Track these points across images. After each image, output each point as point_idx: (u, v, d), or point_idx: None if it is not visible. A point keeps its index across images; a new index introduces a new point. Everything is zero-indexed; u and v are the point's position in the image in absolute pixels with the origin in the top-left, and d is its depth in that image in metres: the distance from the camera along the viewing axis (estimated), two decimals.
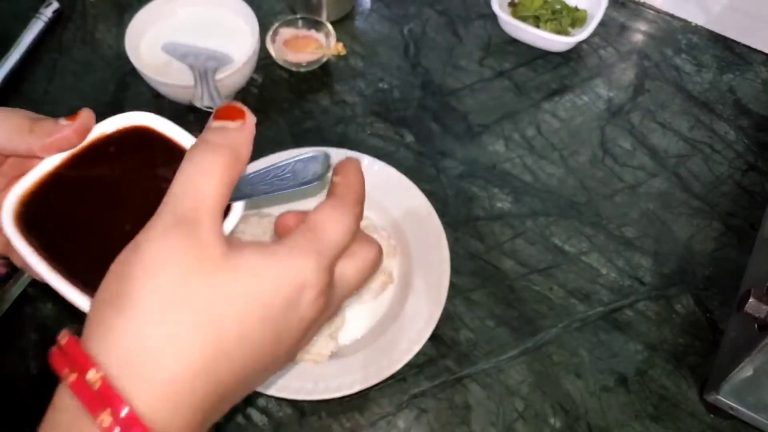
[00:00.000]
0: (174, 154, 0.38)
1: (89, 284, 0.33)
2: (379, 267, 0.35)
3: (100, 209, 0.37)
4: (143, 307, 0.27)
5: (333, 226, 0.31)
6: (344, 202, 0.33)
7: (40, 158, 0.36)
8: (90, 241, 0.36)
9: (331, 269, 0.31)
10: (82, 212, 0.37)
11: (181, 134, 0.39)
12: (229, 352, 0.27)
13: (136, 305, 0.27)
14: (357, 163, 0.35)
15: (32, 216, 0.36)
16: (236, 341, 0.28)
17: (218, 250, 0.28)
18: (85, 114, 0.36)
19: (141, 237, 0.28)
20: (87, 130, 0.37)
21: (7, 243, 0.36)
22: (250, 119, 0.32)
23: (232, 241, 0.29)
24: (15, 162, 0.37)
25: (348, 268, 0.33)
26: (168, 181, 0.33)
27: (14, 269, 0.60)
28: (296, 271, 0.29)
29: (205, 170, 0.29)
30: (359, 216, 0.33)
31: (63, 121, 0.36)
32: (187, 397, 0.27)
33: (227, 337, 0.27)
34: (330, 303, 0.32)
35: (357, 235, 0.33)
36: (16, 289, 0.59)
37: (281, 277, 0.29)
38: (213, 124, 0.32)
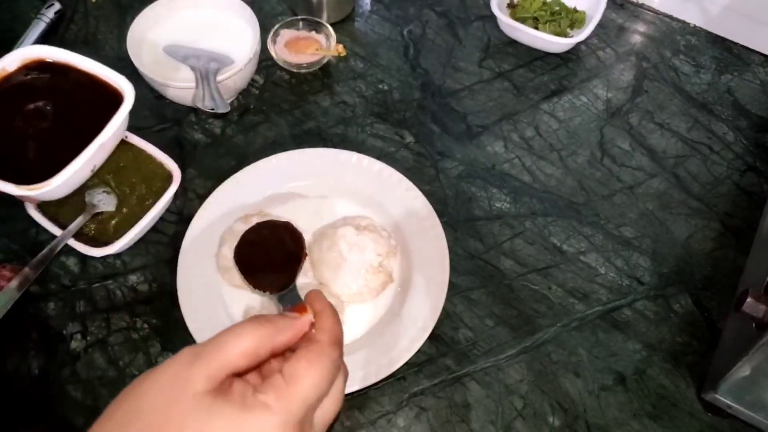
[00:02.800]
0: (74, 78, 0.47)
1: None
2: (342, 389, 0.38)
3: (17, 128, 0.46)
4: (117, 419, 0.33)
5: (307, 381, 0.34)
6: (321, 353, 0.35)
7: None
8: (12, 152, 0.44)
9: (301, 422, 0.33)
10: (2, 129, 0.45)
11: (77, 58, 0.48)
12: None
13: (110, 416, 0.34)
14: (326, 301, 0.39)
15: None
16: None
17: (202, 388, 0.32)
18: None
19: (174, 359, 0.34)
20: None
21: None
22: (306, 318, 0.38)
23: (221, 387, 0.33)
24: None
25: (325, 405, 0.36)
26: (69, 101, 0.46)
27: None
28: (262, 429, 0.32)
29: (242, 332, 0.35)
30: (338, 360, 0.36)
31: None
32: None
33: None
34: None
35: (335, 376, 0.36)
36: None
37: None
38: (284, 312, 0.40)
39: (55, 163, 0.45)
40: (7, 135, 0.46)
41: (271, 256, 0.55)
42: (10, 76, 0.48)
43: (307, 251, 0.65)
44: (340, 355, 0.36)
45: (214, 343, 0.34)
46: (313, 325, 0.37)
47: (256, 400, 0.32)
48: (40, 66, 0.48)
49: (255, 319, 0.35)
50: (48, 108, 0.47)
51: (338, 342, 0.37)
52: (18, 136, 0.46)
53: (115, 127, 0.46)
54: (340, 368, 0.36)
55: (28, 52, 0.48)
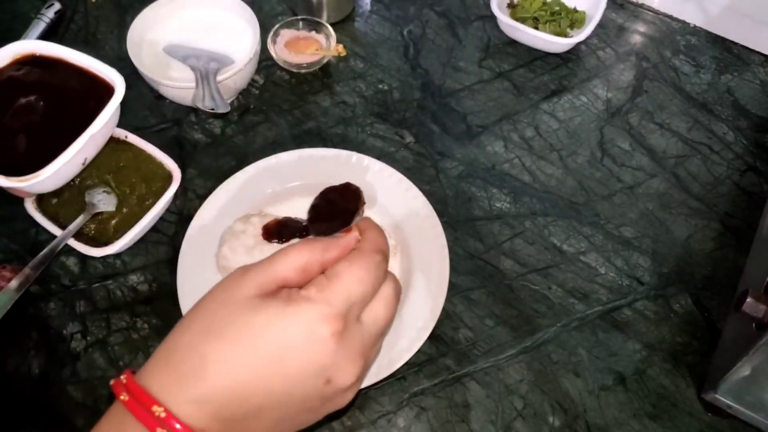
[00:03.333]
0: (64, 72, 0.48)
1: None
2: (399, 297, 0.40)
3: (8, 121, 0.47)
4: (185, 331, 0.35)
5: (348, 276, 0.36)
6: (363, 254, 0.38)
7: None
8: (6, 144, 0.45)
9: (344, 315, 0.35)
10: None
11: (68, 52, 0.49)
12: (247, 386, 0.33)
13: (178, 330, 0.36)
14: (372, 221, 0.43)
15: None
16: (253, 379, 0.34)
17: (252, 293, 0.35)
18: None
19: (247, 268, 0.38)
20: None
21: None
22: (352, 236, 0.40)
23: (269, 292, 0.36)
24: None
25: (374, 307, 0.37)
26: (60, 94, 0.47)
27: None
28: (303, 320, 0.34)
29: (293, 251, 0.38)
30: (381, 263, 0.38)
31: None
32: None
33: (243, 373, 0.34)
34: (353, 343, 0.35)
35: (381, 279, 0.38)
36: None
37: (290, 327, 0.34)
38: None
39: (46, 157, 0.45)
40: None
41: (332, 212, 0.55)
42: (1, 72, 0.48)
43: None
44: (385, 260, 0.39)
45: (266, 261, 0.37)
46: (359, 241, 0.39)
47: (299, 295, 0.35)
48: (31, 61, 0.49)
49: (304, 240, 0.38)
50: (40, 102, 0.48)
51: (380, 249, 0.39)
52: (9, 131, 0.47)
53: (106, 119, 0.47)
54: (385, 273, 0.38)
55: (19, 47, 0.49)
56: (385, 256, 0.39)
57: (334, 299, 0.34)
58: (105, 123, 0.47)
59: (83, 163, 0.48)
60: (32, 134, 0.47)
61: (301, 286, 0.36)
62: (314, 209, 0.56)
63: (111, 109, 0.47)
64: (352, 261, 0.37)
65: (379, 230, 0.41)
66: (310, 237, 0.43)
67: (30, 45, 0.49)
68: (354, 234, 0.40)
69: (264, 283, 0.35)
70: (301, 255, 0.37)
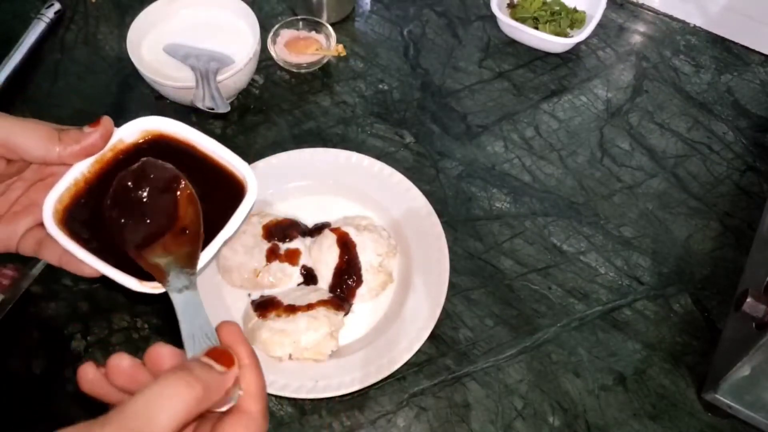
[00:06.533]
0: (192, 159, 0.42)
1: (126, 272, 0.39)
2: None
3: (125, 214, 0.41)
4: None
5: None
6: (256, 426, 0.31)
7: (67, 165, 0.40)
8: (119, 239, 0.40)
9: None
10: (112, 216, 0.40)
11: (198, 137, 0.43)
12: None
13: None
14: (247, 344, 0.33)
15: (69, 218, 0.40)
16: None
17: None
18: (106, 120, 0.40)
19: None
20: (110, 135, 0.40)
21: (39, 243, 0.41)
22: (234, 372, 0.32)
23: None
24: (37, 168, 0.40)
25: None
26: (184, 187, 0.39)
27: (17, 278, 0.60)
28: None
29: (170, 397, 0.28)
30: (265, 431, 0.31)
31: (88, 129, 0.39)
32: None
33: None
34: None
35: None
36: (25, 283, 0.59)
37: None
38: (202, 358, 0.32)
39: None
40: (121, 216, 0.41)
41: (153, 220, 0.42)
42: (127, 149, 0.43)
43: (308, 249, 0.65)
44: (267, 418, 0.32)
45: (142, 421, 0.27)
46: (237, 380, 0.32)
47: None
48: (158, 140, 0.43)
49: (182, 377, 0.29)
50: (165, 192, 0.41)
51: (267, 408, 0.32)
52: (132, 221, 0.41)
53: (240, 222, 0.42)
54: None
55: (147, 123, 0.43)
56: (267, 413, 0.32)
57: None
58: (238, 227, 0.41)
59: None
60: (158, 229, 0.41)
61: None
62: (118, 196, 0.41)
63: (245, 211, 0.41)
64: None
65: (259, 369, 0.33)
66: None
67: (158, 122, 0.43)
68: (234, 373, 0.32)
69: None
70: (182, 408, 0.28)
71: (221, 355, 0.32)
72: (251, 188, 0.42)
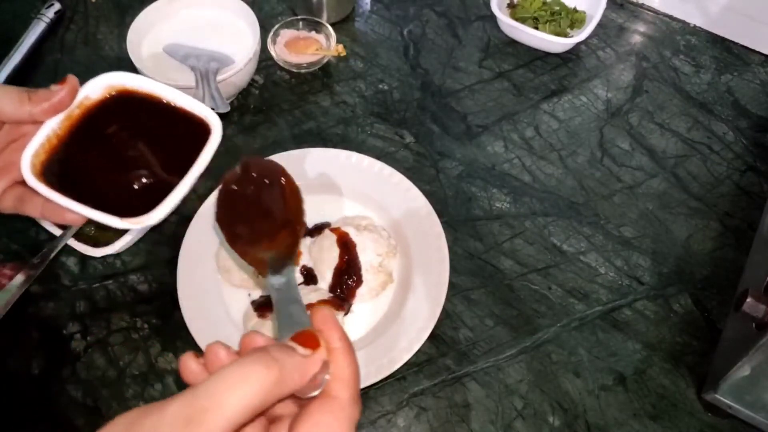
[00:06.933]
0: (157, 109, 0.47)
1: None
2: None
3: (102, 160, 0.45)
4: None
5: None
6: (342, 413, 0.29)
7: (39, 123, 0.43)
8: (99, 185, 0.44)
9: None
10: (87, 164, 0.45)
11: (162, 88, 0.47)
12: None
13: None
14: (339, 326, 0.31)
15: (45, 172, 0.43)
16: None
17: None
18: (72, 78, 0.43)
19: (153, 412, 0.26)
20: (76, 91, 0.44)
21: (19, 199, 0.43)
22: (319, 356, 0.30)
23: None
24: (9, 129, 0.43)
25: None
26: (154, 131, 0.45)
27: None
28: None
29: (244, 377, 0.26)
30: (358, 416, 0.29)
31: (55, 87, 0.42)
32: None
33: None
34: None
35: None
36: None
37: None
38: (287, 341, 0.30)
39: (145, 196, 0.44)
40: (95, 165, 0.45)
41: (260, 218, 0.45)
42: (94, 105, 0.46)
43: (308, 249, 0.65)
44: (358, 412, 0.30)
45: (210, 400, 0.26)
46: (326, 364, 0.30)
47: None
48: (123, 94, 0.47)
49: (258, 359, 0.27)
50: (135, 140, 0.46)
51: (358, 394, 0.30)
52: (106, 168, 0.45)
53: (209, 158, 0.46)
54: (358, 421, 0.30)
55: (111, 79, 0.47)
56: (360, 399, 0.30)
57: None
58: (207, 163, 0.46)
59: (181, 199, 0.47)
60: (130, 173, 0.45)
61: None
62: (230, 202, 0.45)
63: (212, 149, 0.46)
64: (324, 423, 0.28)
65: (353, 355, 0.31)
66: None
67: (121, 78, 0.48)
68: (321, 356, 0.30)
69: None
70: (256, 391, 0.26)
71: (307, 338, 0.30)
72: (216, 129, 0.46)
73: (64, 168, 0.44)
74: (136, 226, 0.43)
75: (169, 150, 0.47)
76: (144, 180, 0.45)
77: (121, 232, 0.62)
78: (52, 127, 0.44)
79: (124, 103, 0.47)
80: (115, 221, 0.42)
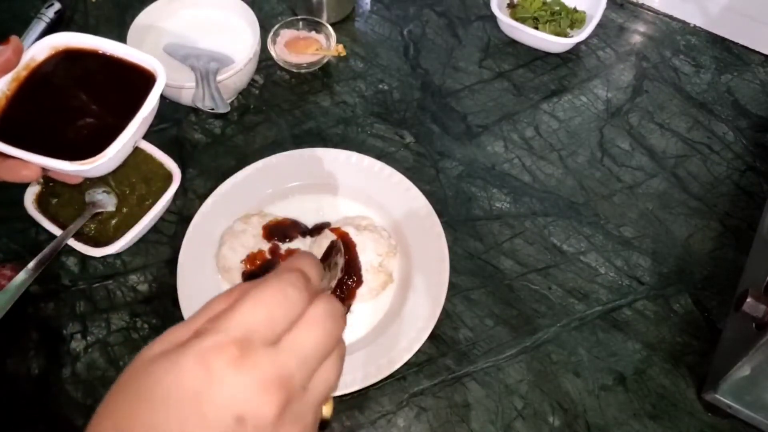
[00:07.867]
0: (102, 63, 0.50)
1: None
2: (335, 316, 0.32)
3: (52, 114, 0.49)
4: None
5: (249, 301, 0.30)
6: (273, 275, 0.32)
7: None
8: (51, 137, 0.48)
9: (241, 341, 0.29)
10: (38, 119, 0.48)
11: (105, 43, 0.50)
12: None
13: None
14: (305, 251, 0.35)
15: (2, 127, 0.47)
16: None
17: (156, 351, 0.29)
18: (14, 38, 0.46)
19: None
20: (20, 50, 0.46)
21: None
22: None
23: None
24: None
25: (292, 335, 0.31)
26: (100, 83, 0.50)
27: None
28: (193, 359, 0.29)
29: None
30: (296, 281, 0.31)
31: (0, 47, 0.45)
32: None
33: None
34: (262, 369, 0.29)
35: (296, 298, 0.31)
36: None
37: (182, 373, 0.29)
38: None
39: (99, 142, 0.47)
40: (45, 120, 0.49)
41: None
42: (40, 65, 0.50)
43: (308, 249, 0.65)
44: (303, 277, 0.32)
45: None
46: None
47: (189, 333, 0.31)
48: (68, 53, 0.51)
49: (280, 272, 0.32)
50: (82, 93, 0.50)
51: (296, 267, 0.33)
52: (58, 121, 0.49)
53: (154, 102, 0.49)
54: (306, 292, 0.31)
55: (56, 39, 0.50)
56: (304, 275, 0.32)
57: (226, 326, 0.29)
58: (153, 106, 0.49)
59: (134, 145, 0.50)
60: (81, 123, 0.49)
61: None
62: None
63: (158, 93, 0.49)
64: (257, 283, 0.31)
65: (306, 254, 0.35)
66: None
67: (65, 37, 0.51)
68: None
69: (169, 338, 0.30)
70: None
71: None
72: (160, 75, 0.49)
73: (15, 125, 0.47)
74: (87, 167, 0.46)
75: (116, 99, 0.50)
76: (93, 127, 0.48)
77: (122, 232, 0.62)
78: (1, 89, 0.47)
79: (69, 60, 0.50)
80: (65, 165, 0.45)
